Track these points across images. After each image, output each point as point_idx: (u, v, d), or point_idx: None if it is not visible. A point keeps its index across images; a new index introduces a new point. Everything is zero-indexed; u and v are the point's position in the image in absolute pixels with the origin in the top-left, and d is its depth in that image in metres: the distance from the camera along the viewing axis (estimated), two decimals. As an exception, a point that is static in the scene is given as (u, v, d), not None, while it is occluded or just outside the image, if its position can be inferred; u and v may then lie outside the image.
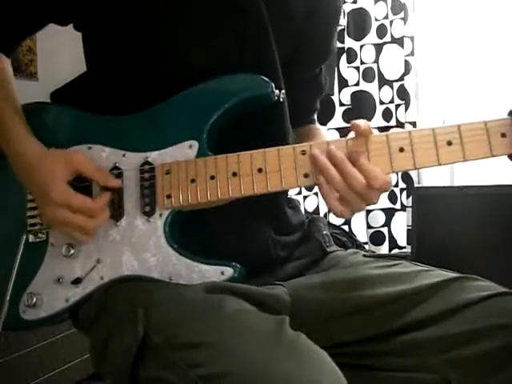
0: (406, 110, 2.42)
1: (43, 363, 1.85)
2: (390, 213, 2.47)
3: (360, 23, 2.47)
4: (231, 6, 0.85)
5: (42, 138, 0.88)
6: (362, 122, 0.77)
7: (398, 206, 2.46)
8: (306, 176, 0.79)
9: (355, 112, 2.45)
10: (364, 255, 0.97)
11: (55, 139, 0.89)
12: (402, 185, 2.45)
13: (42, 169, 0.84)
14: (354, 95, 2.49)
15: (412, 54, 2.41)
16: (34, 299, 0.85)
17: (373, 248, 2.50)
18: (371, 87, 2.48)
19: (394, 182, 2.40)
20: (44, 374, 1.85)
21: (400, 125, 2.42)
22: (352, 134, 0.79)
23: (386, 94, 2.47)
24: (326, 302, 0.86)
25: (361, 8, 2.47)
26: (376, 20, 2.47)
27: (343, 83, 2.50)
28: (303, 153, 0.79)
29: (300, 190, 2.45)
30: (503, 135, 0.74)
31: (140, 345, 0.72)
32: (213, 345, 0.67)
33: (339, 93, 2.51)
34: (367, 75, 2.48)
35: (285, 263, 0.94)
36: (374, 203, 0.79)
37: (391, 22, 2.44)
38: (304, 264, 0.95)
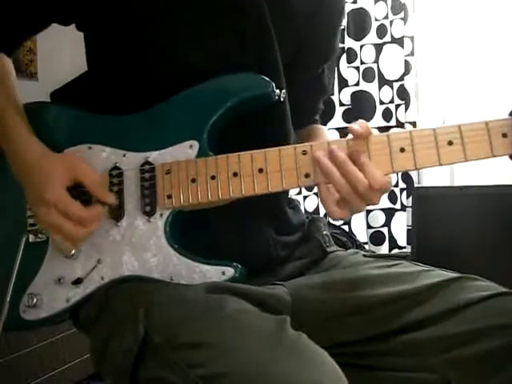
0: (406, 110, 2.42)
1: (43, 363, 1.85)
2: (390, 213, 2.47)
3: (360, 23, 2.47)
4: (231, 6, 0.85)
5: (42, 138, 0.88)
6: (358, 126, 0.77)
7: (398, 205, 2.46)
8: (306, 176, 0.79)
9: (355, 112, 2.45)
10: (364, 255, 0.97)
11: (55, 139, 0.89)
12: (402, 185, 2.45)
13: (42, 169, 0.83)
14: (354, 95, 2.49)
15: (412, 54, 2.41)
16: (35, 299, 0.85)
17: (373, 248, 2.50)
18: (371, 87, 2.48)
19: (394, 182, 2.40)
20: (44, 374, 1.85)
21: (400, 125, 2.42)
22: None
23: (386, 93, 2.47)
24: (326, 302, 0.86)
25: (361, 8, 2.47)
26: (376, 20, 2.47)
27: (343, 83, 2.50)
28: (304, 153, 0.79)
29: (300, 190, 2.45)
30: (504, 135, 0.74)
31: (140, 345, 0.72)
32: (213, 345, 0.67)
33: (339, 93, 2.51)
34: (367, 75, 2.48)
35: (285, 263, 0.94)
36: (375, 204, 0.79)
37: (391, 21, 2.44)
38: (304, 264, 0.95)
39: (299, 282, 0.91)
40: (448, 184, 2.42)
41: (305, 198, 2.51)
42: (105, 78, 0.93)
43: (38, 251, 0.87)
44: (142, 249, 0.83)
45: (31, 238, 0.88)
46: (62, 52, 2.49)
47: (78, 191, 0.84)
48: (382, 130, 0.80)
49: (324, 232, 1.00)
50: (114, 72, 0.91)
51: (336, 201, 0.78)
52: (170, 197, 0.83)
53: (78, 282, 0.85)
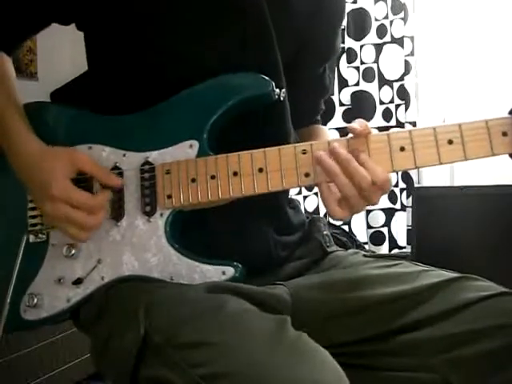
0: (406, 110, 2.42)
1: (43, 363, 1.85)
2: (389, 213, 2.47)
3: (360, 23, 2.47)
4: (231, 6, 0.85)
5: (43, 138, 0.88)
6: (357, 125, 0.77)
7: (398, 206, 2.46)
8: (306, 175, 0.79)
9: (355, 112, 2.45)
10: (364, 255, 0.97)
11: (55, 139, 0.89)
12: (402, 185, 2.45)
13: (44, 166, 0.84)
14: (354, 95, 2.49)
15: (412, 54, 2.41)
16: (35, 299, 0.85)
17: (373, 248, 2.50)
18: (371, 87, 2.48)
19: (393, 182, 2.40)
20: (44, 374, 1.85)
21: (400, 125, 2.42)
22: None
23: (386, 93, 2.47)
24: (326, 302, 0.86)
25: (361, 8, 2.47)
26: (376, 20, 2.47)
27: (343, 83, 2.50)
28: (304, 152, 0.79)
29: (300, 190, 2.45)
30: (504, 134, 0.74)
31: (141, 345, 0.72)
32: (214, 345, 0.67)
33: (339, 93, 2.51)
34: (367, 75, 2.48)
35: (285, 263, 0.94)
36: (375, 204, 0.79)
37: (391, 21, 2.43)
38: (304, 264, 0.95)
39: (299, 281, 0.91)
40: (448, 184, 2.42)
41: (305, 197, 2.51)
42: (105, 77, 0.93)
43: (38, 251, 0.87)
44: (143, 249, 0.83)
45: (31, 238, 0.88)
46: (61, 52, 2.49)
47: (79, 185, 0.84)
48: (381, 130, 0.80)
49: (324, 232, 1.00)
50: (114, 72, 0.91)
51: (337, 200, 0.78)
52: (170, 197, 0.83)
53: (78, 282, 0.85)
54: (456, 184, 2.37)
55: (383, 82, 2.47)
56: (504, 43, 2.30)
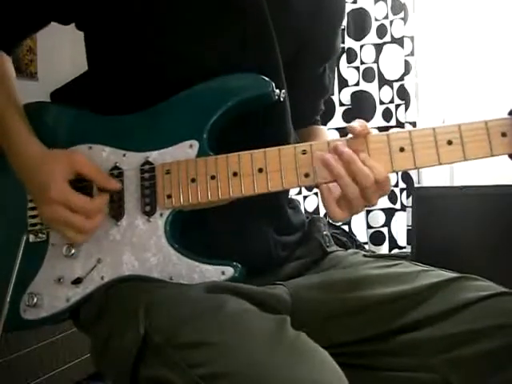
0: (406, 110, 2.42)
1: (43, 363, 1.85)
2: (389, 213, 2.47)
3: (360, 23, 2.47)
4: (231, 5, 0.85)
5: (43, 138, 0.88)
6: (357, 124, 0.77)
7: (398, 206, 2.46)
8: (306, 176, 0.79)
9: (355, 112, 2.45)
10: (364, 255, 0.97)
11: (55, 139, 0.90)
12: (402, 185, 2.45)
13: (43, 168, 0.84)
14: (354, 95, 2.49)
15: (412, 54, 2.41)
16: (35, 299, 0.85)
17: (373, 248, 2.50)
18: (371, 87, 2.48)
19: (393, 182, 2.40)
20: (44, 374, 1.85)
21: (400, 125, 2.42)
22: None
23: (386, 93, 2.47)
24: (326, 302, 0.86)
25: (361, 8, 2.47)
26: (376, 20, 2.47)
27: (343, 83, 2.50)
28: (304, 152, 0.79)
29: (300, 190, 2.45)
30: (503, 135, 0.74)
31: (141, 345, 0.72)
32: (214, 345, 0.67)
33: (339, 93, 2.51)
34: (367, 75, 2.48)
35: (285, 263, 0.94)
36: (374, 204, 0.79)
37: (391, 22, 2.44)
38: (304, 264, 0.95)
39: (299, 282, 0.91)
40: (448, 184, 2.42)
41: (305, 198, 2.51)
42: (105, 77, 0.93)
43: (38, 251, 0.88)
44: (142, 248, 0.83)
45: (31, 237, 0.88)
46: (61, 52, 2.49)
47: (78, 186, 0.84)
48: (381, 130, 0.80)
49: (324, 232, 1.00)
50: (114, 72, 0.91)
51: (337, 200, 0.78)
52: (169, 196, 0.83)
53: (77, 281, 0.85)
54: (456, 184, 2.37)
55: (383, 81, 2.47)
56: (504, 43, 2.30)
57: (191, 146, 0.83)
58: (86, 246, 0.85)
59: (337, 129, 2.48)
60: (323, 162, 0.78)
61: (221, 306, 0.72)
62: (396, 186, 2.44)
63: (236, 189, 0.80)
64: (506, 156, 0.76)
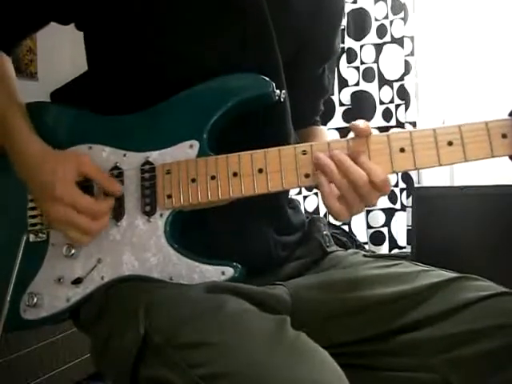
0: (406, 110, 2.42)
1: (43, 363, 1.85)
2: (389, 213, 2.47)
3: (360, 23, 2.47)
4: (231, 5, 0.85)
5: (43, 138, 0.88)
6: (360, 123, 0.78)
7: (398, 206, 2.46)
8: (306, 176, 0.79)
9: (355, 112, 2.45)
10: (364, 255, 0.97)
11: (56, 139, 0.89)
12: (402, 185, 2.45)
13: (45, 167, 0.83)
14: (354, 95, 2.49)
15: (412, 54, 2.41)
16: (35, 299, 0.85)
17: (373, 248, 2.50)
18: (371, 87, 2.48)
19: (393, 182, 2.40)
20: (44, 374, 1.85)
21: (400, 125, 2.42)
22: (352, 134, 0.79)
23: (386, 93, 2.47)
24: (326, 302, 0.86)
25: (361, 8, 2.47)
26: (376, 20, 2.47)
27: (343, 83, 2.50)
28: (304, 153, 0.79)
29: (300, 190, 2.45)
30: (504, 136, 0.74)
31: (141, 345, 0.72)
32: (214, 345, 0.67)
33: (339, 93, 2.51)
34: (367, 75, 2.48)
35: (285, 263, 0.94)
36: (373, 205, 0.79)
37: (391, 22, 2.44)
38: (304, 264, 0.95)
39: (299, 282, 0.91)
40: (448, 184, 2.42)
41: (305, 198, 2.51)
42: (105, 77, 0.93)
43: (38, 251, 0.88)
44: (142, 248, 0.83)
45: (31, 237, 0.88)
46: (62, 52, 2.49)
47: (83, 187, 0.84)
48: (382, 130, 0.80)
49: (324, 232, 1.00)
50: (114, 72, 0.91)
51: (337, 200, 0.78)
52: (170, 197, 0.83)
53: (77, 281, 0.85)
54: (456, 184, 2.38)
55: (383, 81, 2.47)
56: (504, 44, 2.30)
57: (191, 146, 0.83)
58: (86, 246, 0.85)
59: (337, 129, 2.48)
60: (314, 159, 0.78)
61: (221, 306, 0.72)
62: (396, 185, 2.44)
63: (236, 189, 0.80)
64: (507, 157, 0.76)
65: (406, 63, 2.41)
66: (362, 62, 2.49)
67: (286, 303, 0.85)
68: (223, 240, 0.87)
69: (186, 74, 0.85)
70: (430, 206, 1.72)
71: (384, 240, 2.50)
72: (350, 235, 2.41)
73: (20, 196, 0.89)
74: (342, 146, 0.78)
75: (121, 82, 0.90)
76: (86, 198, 0.82)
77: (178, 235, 0.84)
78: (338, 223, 2.39)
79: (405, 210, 2.45)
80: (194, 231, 0.86)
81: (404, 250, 2.42)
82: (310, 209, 2.51)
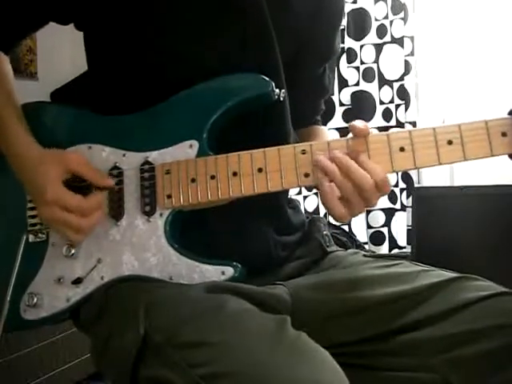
0: (406, 110, 2.42)
1: (43, 363, 1.85)
2: (389, 213, 2.47)
3: (360, 23, 2.47)
4: (231, 5, 0.85)
5: (43, 138, 0.88)
6: (358, 123, 0.77)
7: (398, 206, 2.46)
8: (306, 175, 0.79)
9: (355, 112, 2.45)
10: (364, 255, 0.97)
11: (55, 139, 0.90)
12: (402, 185, 2.45)
13: (39, 169, 0.84)
14: (354, 95, 2.49)
15: (412, 54, 2.41)
16: (35, 299, 0.85)
17: (373, 248, 2.50)
18: (371, 87, 2.48)
19: (393, 182, 2.40)
20: (44, 374, 1.85)
21: (400, 125, 2.42)
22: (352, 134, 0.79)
23: (386, 93, 2.47)
24: (326, 302, 0.86)
25: (361, 8, 2.47)
26: (376, 20, 2.47)
27: (343, 83, 2.50)
28: (303, 152, 0.79)
29: (300, 190, 2.45)
30: (504, 134, 0.74)
31: (141, 345, 0.72)
32: (214, 344, 0.67)
33: (339, 93, 2.51)
34: (367, 75, 2.48)
35: (285, 263, 0.94)
36: (374, 205, 0.79)
37: (391, 22, 2.44)
38: (304, 264, 0.95)
39: (299, 282, 0.91)
40: (448, 184, 2.42)
41: (305, 198, 2.51)
42: (105, 77, 0.93)
43: (37, 251, 0.88)
44: (142, 248, 0.83)
45: (31, 237, 0.89)
46: (61, 52, 2.49)
47: (76, 185, 0.84)
48: (381, 130, 0.80)
49: (324, 232, 1.00)
50: (114, 72, 0.91)
51: (338, 200, 0.78)
52: (169, 196, 0.83)
53: (77, 281, 0.85)
54: (456, 184, 2.37)
55: (383, 82, 2.47)
56: (504, 43, 2.30)
57: (191, 145, 0.83)
58: (86, 246, 0.85)
59: (337, 129, 2.48)
60: (314, 162, 0.78)
61: (221, 306, 0.72)
62: (396, 186, 2.44)
63: (236, 189, 0.80)
64: (506, 156, 0.76)
65: (406, 63, 2.41)
66: (362, 62, 2.49)
67: (286, 303, 0.85)
68: (223, 240, 0.87)
69: (186, 74, 0.85)
70: (430, 206, 1.72)
71: (384, 240, 2.50)
72: (350, 235, 2.41)
73: (19, 196, 0.89)
74: (341, 145, 0.78)
75: (121, 82, 0.90)
76: (73, 196, 0.82)
77: (177, 235, 0.84)
78: (338, 223, 2.39)
79: (405, 210, 2.45)
80: (193, 231, 0.86)
81: (404, 250, 2.42)
82: (310, 209, 2.51)
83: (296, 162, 0.79)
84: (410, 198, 2.25)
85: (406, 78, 2.42)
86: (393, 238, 2.48)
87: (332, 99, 2.48)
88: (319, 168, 0.77)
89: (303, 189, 2.41)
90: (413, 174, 2.41)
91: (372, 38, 2.47)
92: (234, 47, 0.86)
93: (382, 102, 2.48)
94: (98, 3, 0.85)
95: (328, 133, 1.17)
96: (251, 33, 0.86)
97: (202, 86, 0.85)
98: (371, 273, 0.89)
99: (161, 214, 0.83)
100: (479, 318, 0.78)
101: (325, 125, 2.33)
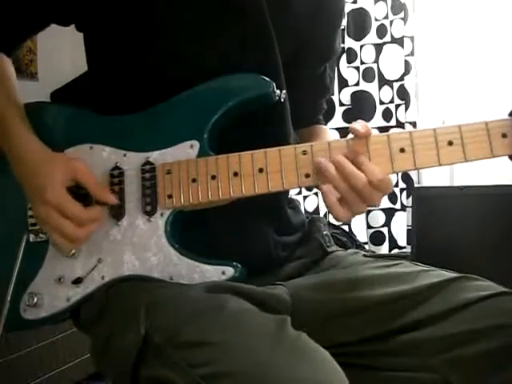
0: (406, 110, 2.42)
1: (43, 363, 1.85)
2: (389, 213, 2.47)
3: (360, 23, 2.47)
4: (231, 5, 0.85)
5: (43, 138, 0.88)
6: (360, 127, 0.77)
7: (398, 206, 2.46)
8: (307, 176, 0.79)
9: (355, 112, 2.45)
10: (364, 255, 0.97)
11: (56, 139, 0.90)
12: (402, 185, 2.45)
13: (41, 170, 0.83)
14: (354, 95, 2.49)
15: (412, 54, 2.42)
16: (35, 299, 0.86)
17: (373, 248, 2.50)
18: (371, 87, 2.48)
19: (393, 182, 2.41)
20: (44, 374, 1.85)
21: (400, 125, 2.42)
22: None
23: (386, 93, 2.47)
24: (326, 302, 0.86)
25: (361, 8, 2.47)
26: (376, 20, 2.47)
27: (343, 83, 2.50)
28: (304, 153, 0.79)
29: (300, 190, 2.45)
30: (504, 136, 0.74)
31: (141, 345, 0.72)
32: (214, 344, 0.67)
33: (339, 93, 2.51)
34: (367, 75, 2.48)
35: (285, 263, 0.94)
36: (376, 205, 0.79)
37: (391, 22, 2.44)
38: (304, 264, 0.95)
39: (299, 282, 0.91)
40: (448, 184, 2.42)
41: (305, 198, 2.51)
42: (105, 77, 0.93)
43: (38, 251, 0.88)
44: (143, 248, 0.83)
45: (32, 237, 0.89)
46: (62, 52, 2.49)
47: (78, 193, 0.84)
48: (382, 130, 0.80)
49: (324, 232, 1.00)
50: (114, 72, 0.91)
51: (339, 200, 0.78)
52: (170, 196, 0.83)
53: (78, 281, 0.85)
54: (456, 184, 2.38)
55: (383, 81, 2.47)
56: (504, 44, 2.30)
57: (192, 146, 0.84)
58: (87, 246, 0.85)
59: (337, 129, 2.48)
60: (315, 164, 0.78)
61: (221, 306, 0.73)
62: (396, 186, 2.44)
63: (236, 189, 0.80)
64: (506, 157, 0.76)
65: (406, 63, 2.41)
66: (362, 62, 2.49)
67: (286, 303, 0.85)
68: (223, 240, 0.87)
69: (186, 74, 0.85)
70: (430, 206, 1.72)
71: (384, 240, 2.50)
72: (350, 235, 2.41)
73: (20, 196, 0.89)
74: (341, 145, 0.78)
75: (121, 82, 0.90)
76: (75, 204, 0.82)
77: (178, 235, 0.84)
78: (337, 223, 2.39)
79: (405, 210, 2.45)
80: (194, 231, 0.86)
81: (404, 250, 2.42)
82: (310, 209, 2.52)
83: (297, 162, 0.79)
84: (410, 198, 2.26)
85: (405, 78, 2.42)
86: (393, 238, 2.48)
87: (332, 99, 2.48)
88: (317, 169, 0.77)
89: (303, 189, 2.41)
90: (413, 174, 2.42)
91: (372, 37, 2.47)
92: (234, 47, 0.86)
93: (381, 102, 2.48)
94: (99, 4, 0.85)
95: (329, 132, 1.17)
96: (251, 33, 0.86)
97: (203, 86, 0.85)
98: (371, 273, 0.89)
99: (162, 214, 0.83)
100: (479, 318, 0.78)
101: (325, 125, 2.33)
